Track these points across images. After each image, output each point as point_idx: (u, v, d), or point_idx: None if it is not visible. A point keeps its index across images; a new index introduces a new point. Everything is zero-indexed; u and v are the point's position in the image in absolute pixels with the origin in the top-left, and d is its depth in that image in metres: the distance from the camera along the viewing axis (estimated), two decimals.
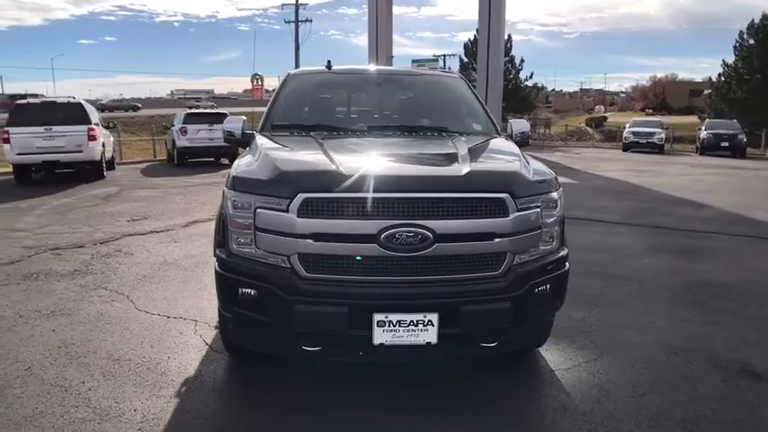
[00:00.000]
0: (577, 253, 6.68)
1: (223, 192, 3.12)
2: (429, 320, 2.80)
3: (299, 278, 2.83)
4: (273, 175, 2.94)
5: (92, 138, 13.07)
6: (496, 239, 2.85)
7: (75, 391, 3.35)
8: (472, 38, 35.86)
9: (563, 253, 3.22)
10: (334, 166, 2.92)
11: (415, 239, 2.73)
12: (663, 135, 26.15)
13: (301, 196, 2.78)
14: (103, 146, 14.08)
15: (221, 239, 3.13)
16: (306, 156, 3.35)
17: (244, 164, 3.31)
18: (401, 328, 2.80)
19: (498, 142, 3.87)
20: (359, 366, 3.59)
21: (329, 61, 4.77)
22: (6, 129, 12.67)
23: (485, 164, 3.23)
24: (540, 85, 46.27)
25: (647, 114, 57.90)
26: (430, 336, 2.81)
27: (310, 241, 2.79)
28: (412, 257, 2.77)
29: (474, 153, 3.39)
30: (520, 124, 4.41)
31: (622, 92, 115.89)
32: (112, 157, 16.44)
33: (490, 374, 3.56)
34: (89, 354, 3.86)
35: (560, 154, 25.13)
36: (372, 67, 5.17)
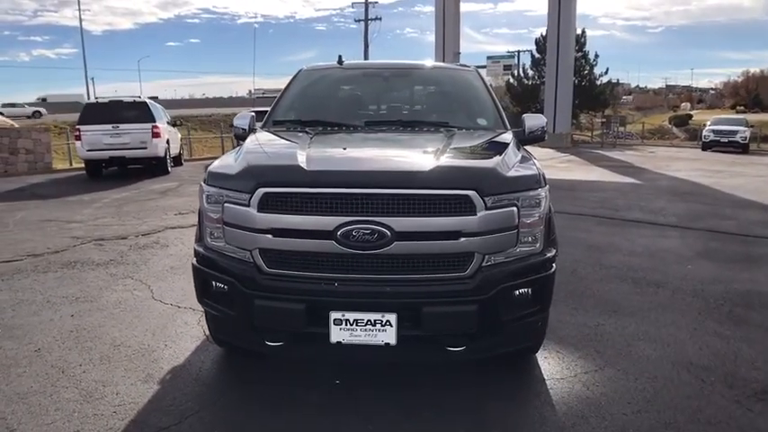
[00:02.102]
0: (615, 257, 6.33)
1: (200, 185, 3.16)
2: (387, 321, 2.70)
3: (261, 273, 2.83)
4: (239, 170, 2.96)
5: (155, 135, 13.78)
6: (462, 239, 2.70)
7: (70, 373, 3.52)
8: (544, 32, 34.67)
9: (549, 255, 3.01)
10: (296, 162, 2.88)
11: (372, 237, 2.65)
12: (747, 134, 24.22)
13: (261, 191, 2.77)
14: (168, 143, 14.80)
15: (199, 233, 3.19)
16: (280, 151, 3.33)
17: (223, 159, 3.35)
18: (358, 328, 2.72)
19: (496, 138, 3.68)
20: (332, 370, 3.54)
21: (340, 56, 4.74)
22: (78, 126, 13.60)
23: (457, 159, 3.06)
24: (616, 80, 43.97)
25: (738, 112, 53.90)
26: (388, 336, 2.71)
27: (269, 236, 2.78)
28: (369, 255, 2.68)
29: (458, 149, 3.24)
30: (534, 119, 4.19)
31: (711, 88, 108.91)
32: (180, 153, 17.27)
33: (474, 380, 3.40)
34: (95, 339, 4.05)
35: (632, 153, 23.91)
36: (384, 62, 5.08)
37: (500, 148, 3.31)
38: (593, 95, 37.75)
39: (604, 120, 36.63)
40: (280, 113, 4.28)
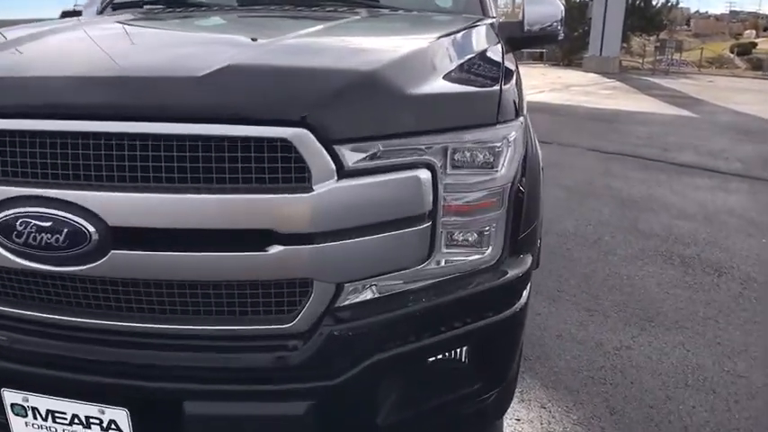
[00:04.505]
0: (658, 219, 4.60)
1: None
2: (110, 422, 1.19)
3: None
4: None
5: None
6: (275, 248, 1.10)
7: None
8: None
9: (515, 271, 1.37)
10: None
11: (55, 236, 1.08)
12: None
13: None
14: None
15: None
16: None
17: None
18: (57, 425, 1.23)
19: (447, 26, 1.95)
20: None
21: None
22: None
23: (296, 57, 1.38)
24: (675, 1, 39.43)
25: None
26: None
27: None
28: (61, 276, 1.14)
29: (344, 42, 1.58)
30: (541, 5, 2.48)
31: None
32: None
33: None
34: None
35: (686, 81, 21.05)
36: None
37: (433, 41, 1.60)
38: (647, 17, 34.05)
39: (658, 44, 32.96)
40: None
